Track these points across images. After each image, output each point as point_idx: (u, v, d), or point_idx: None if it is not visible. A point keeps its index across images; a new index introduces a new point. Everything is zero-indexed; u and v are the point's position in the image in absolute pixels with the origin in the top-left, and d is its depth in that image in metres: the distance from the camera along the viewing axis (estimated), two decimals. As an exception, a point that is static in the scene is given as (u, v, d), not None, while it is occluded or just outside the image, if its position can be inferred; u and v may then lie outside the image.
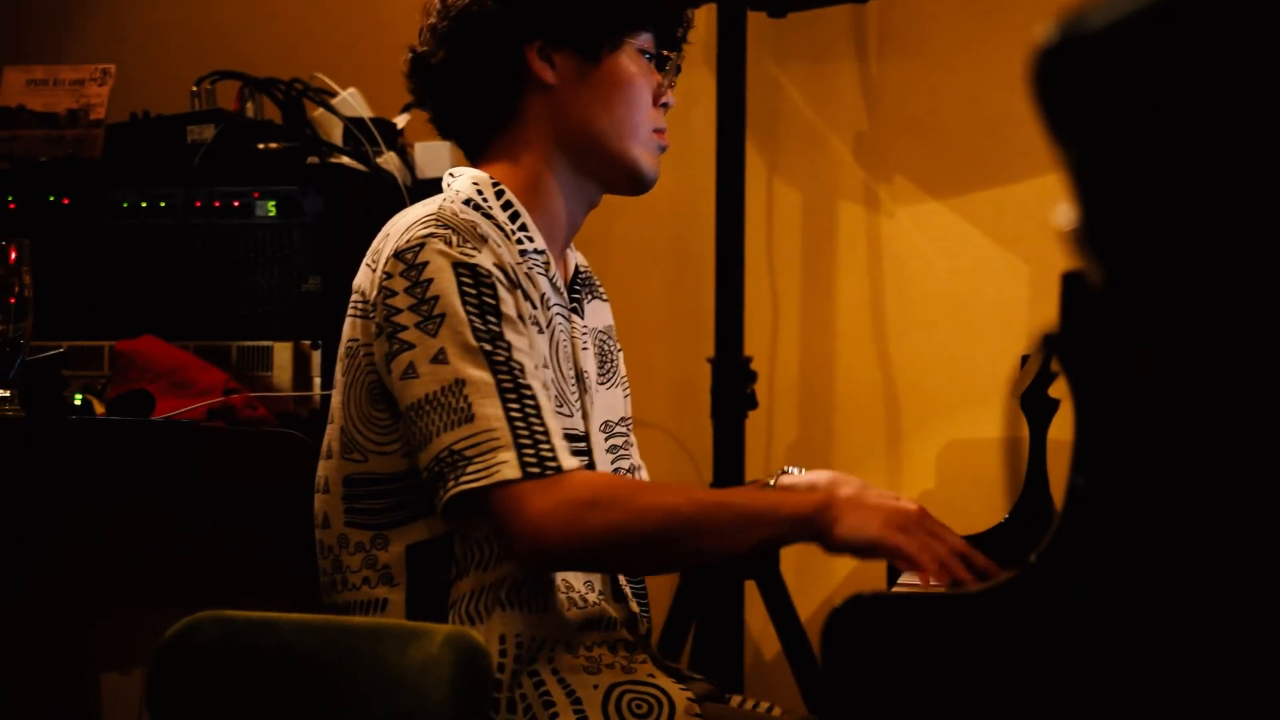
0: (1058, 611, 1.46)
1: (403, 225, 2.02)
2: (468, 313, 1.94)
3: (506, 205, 2.10)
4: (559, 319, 2.12)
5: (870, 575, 2.29)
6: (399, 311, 1.96)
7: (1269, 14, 1.16)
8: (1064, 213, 1.23)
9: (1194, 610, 1.37)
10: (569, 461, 1.93)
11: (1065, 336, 1.44)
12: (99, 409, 2.68)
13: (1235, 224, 1.19)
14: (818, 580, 3.62)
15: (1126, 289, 1.24)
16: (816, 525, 1.92)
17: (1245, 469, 1.27)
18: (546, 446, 1.92)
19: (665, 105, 2.20)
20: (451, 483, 1.91)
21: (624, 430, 2.27)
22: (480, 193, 2.10)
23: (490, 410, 1.92)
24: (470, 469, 1.91)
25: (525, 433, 1.92)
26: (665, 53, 2.20)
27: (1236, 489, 1.29)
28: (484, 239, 2.01)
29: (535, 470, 1.91)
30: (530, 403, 1.94)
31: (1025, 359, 2.57)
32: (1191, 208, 1.19)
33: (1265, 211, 1.19)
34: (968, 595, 1.54)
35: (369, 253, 2.06)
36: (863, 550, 1.92)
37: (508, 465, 1.90)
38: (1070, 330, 1.43)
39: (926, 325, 3.69)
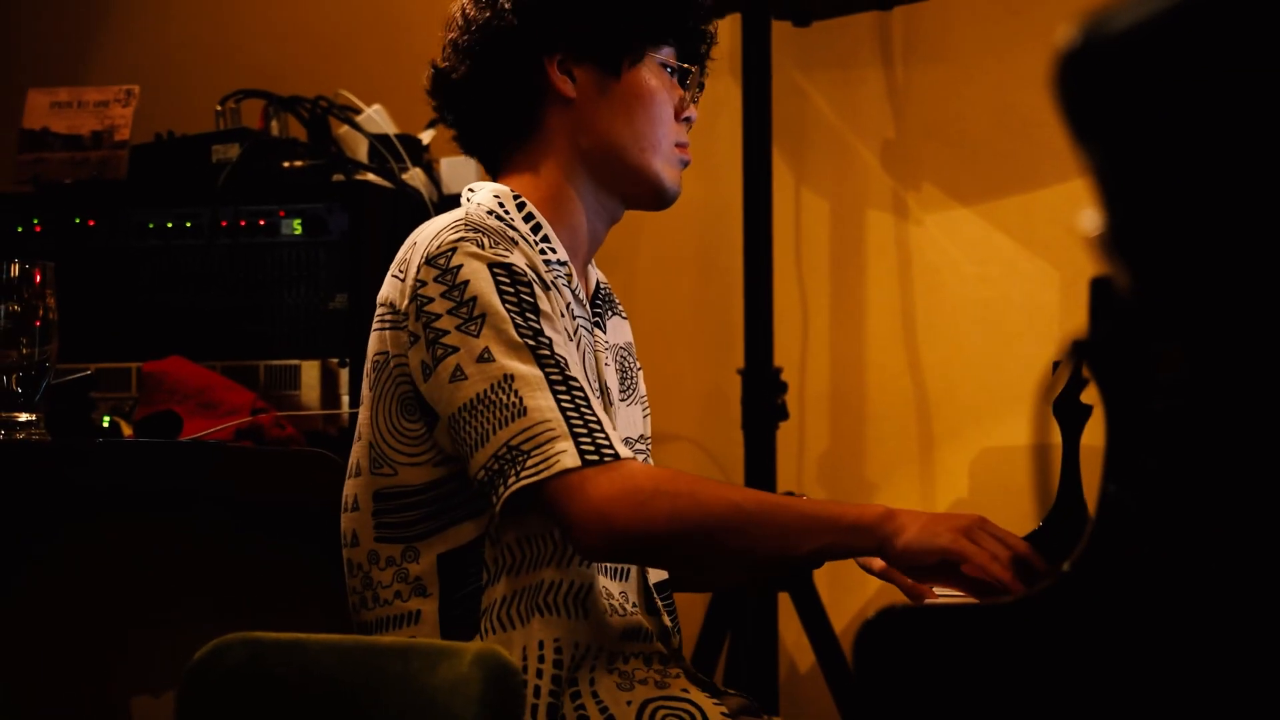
0: (1093, 620, 1.44)
1: (430, 233, 2.02)
2: (508, 310, 1.94)
3: (529, 217, 2.10)
4: (583, 331, 2.11)
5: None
6: (438, 317, 1.95)
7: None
8: (1090, 217, 1.21)
9: (1234, 619, 1.35)
10: (624, 450, 1.92)
11: (1095, 342, 1.42)
12: (127, 431, 2.68)
13: (1262, 226, 1.18)
14: (851, 592, 3.60)
15: (1154, 293, 1.23)
16: (880, 534, 1.88)
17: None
18: (601, 435, 1.90)
19: (688, 120, 2.19)
20: (512, 478, 1.89)
21: (643, 448, 2.26)
22: (501, 205, 2.10)
23: (543, 402, 1.90)
24: (530, 462, 1.89)
25: (579, 422, 1.90)
26: (687, 66, 2.19)
27: (1272, 493, 1.27)
28: (514, 242, 2.01)
29: (594, 458, 1.89)
30: (579, 394, 1.92)
31: (1056, 365, 2.55)
32: (1217, 210, 1.18)
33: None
34: (1002, 606, 1.53)
35: (395, 264, 2.06)
36: (925, 560, 1.87)
37: (567, 454, 1.88)
38: (1100, 336, 1.42)
39: (957, 333, 3.68)
